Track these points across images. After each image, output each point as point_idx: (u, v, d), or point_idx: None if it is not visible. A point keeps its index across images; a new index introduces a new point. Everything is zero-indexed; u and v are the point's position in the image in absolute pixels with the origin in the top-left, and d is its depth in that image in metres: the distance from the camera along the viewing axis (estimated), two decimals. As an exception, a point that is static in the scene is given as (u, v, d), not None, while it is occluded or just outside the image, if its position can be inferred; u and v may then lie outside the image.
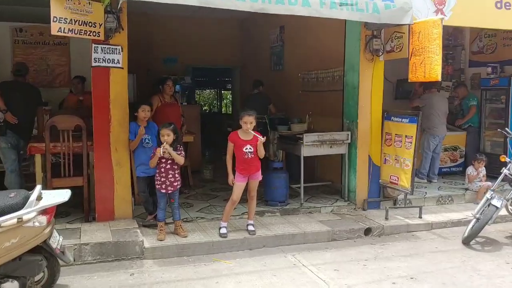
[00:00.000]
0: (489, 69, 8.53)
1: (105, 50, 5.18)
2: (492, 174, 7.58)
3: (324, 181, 7.29)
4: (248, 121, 5.21)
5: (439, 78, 5.65)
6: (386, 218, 6.17)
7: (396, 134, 6.44)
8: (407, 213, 6.45)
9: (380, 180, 6.67)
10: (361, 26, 6.35)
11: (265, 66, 10.27)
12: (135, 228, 5.27)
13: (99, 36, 4.92)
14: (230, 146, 5.35)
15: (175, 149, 5.06)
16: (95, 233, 5.05)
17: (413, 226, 6.13)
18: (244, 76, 11.98)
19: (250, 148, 5.26)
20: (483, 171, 7.48)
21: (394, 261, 5.06)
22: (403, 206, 6.39)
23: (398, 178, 6.36)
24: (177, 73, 11.04)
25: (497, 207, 5.51)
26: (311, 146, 6.35)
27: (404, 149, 6.28)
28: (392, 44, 6.36)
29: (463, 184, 7.90)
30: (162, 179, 5.12)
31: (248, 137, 5.28)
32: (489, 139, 8.67)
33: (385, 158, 6.63)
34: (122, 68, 5.33)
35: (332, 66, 7.45)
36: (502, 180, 5.95)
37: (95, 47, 5.15)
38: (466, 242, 5.64)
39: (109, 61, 5.22)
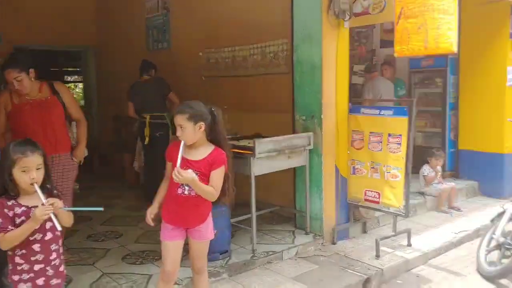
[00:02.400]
0: (419, 48, 7.24)
1: None
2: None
3: (269, 207, 5.06)
4: (176, 123, 2.84)
5: (455, 49, 3.89)
6: (377, 256, 4.26)
7: (371, 133, 4.55)
8: (390, 241, 4.65)
9: (348, 198, 4.75)
10: (320, -24, 4.29)
11: (137, 45, 7.55)
12: None
13: None
14: (168, 165, 2.97)
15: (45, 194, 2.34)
16: None
17: (411, 262, 4.34)
18: (101, 60, 8.98)
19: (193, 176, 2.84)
20: (440, 170, 6.13)
21: None
22: (394, 233, 4.55)
23: (379, 194, 4.50)
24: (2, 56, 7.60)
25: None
26: (265, 158, 4.08)
27: (387, 153, 4.43)
28: (364, 4, 4.43)
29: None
30: (37, 267, 2.34)
31: (196, 155, 2.85)
32: (421, 130, 7.45)
33: (354, 167, 4.72)
34: None
35: (261, 39, 5.26)
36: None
37: None
38: (494, 279, 4.06)
39: None
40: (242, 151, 4.13)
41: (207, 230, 3.01)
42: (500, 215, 4.35)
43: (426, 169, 6.04)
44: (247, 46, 5.48)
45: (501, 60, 6.35)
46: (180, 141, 2.80)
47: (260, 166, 4.03)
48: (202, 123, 2.85)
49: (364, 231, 4.91)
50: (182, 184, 2.84)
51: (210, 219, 3.03)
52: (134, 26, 7.61)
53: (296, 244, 4.34)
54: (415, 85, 7.40)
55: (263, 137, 4.68)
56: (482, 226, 5.28)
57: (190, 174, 2.76)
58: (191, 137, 2.84)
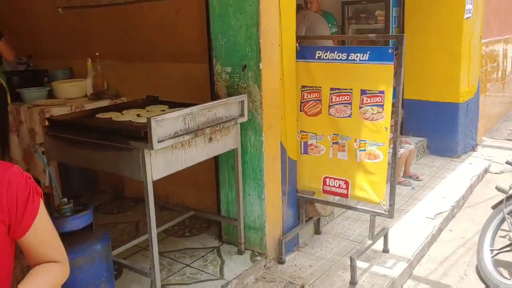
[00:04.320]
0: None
1: None
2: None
3: (176, 211, 3.27)
4: None
5: None
6: (353, 283, 2.75)
7: (334, 89, 2.92)
8: (359, 244, 3.19)
9: (298, 189, 3.16)
10: None
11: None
12: None
13: None
14: None
15: None
16: None
17: (398, 281, 2.92)
18: None
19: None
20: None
21: None
22: (371, 241, 3.02)
23: (348, 184, 2.96)
24: None
25: None
26: (169, 148, 2.24)
27: (360, 121, 2.85)
28: None
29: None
30: None
31: None
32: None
33: (306, 143, 3.09)
34: None
35: None
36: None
37: None
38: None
39: None
40: (127, 135, 2.25)
41: None
42: (510, 200, 3.08)
43: (377, 130, 4.63)
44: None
45: (457, -14, 5.02)
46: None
47: (161, 164, 2.20)
48: None
49: (318, 231, 3.40)
50: None
51: None
52: None
53: (227, 279, 2.64)
54: (349, 21, 5.88)
55: (162, 103, 2.86)
56: (455, 203, 4.10)
57: None
58: None
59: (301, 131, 3.07)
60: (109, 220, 3.58)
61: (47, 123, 2.63)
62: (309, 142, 3.06)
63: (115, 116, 2.66)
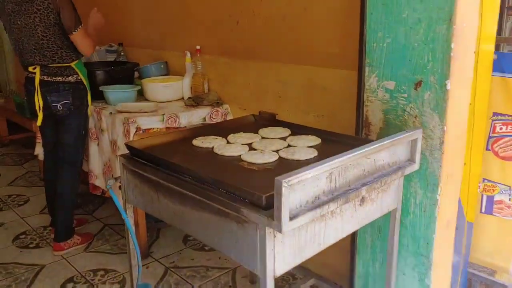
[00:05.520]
0: None
1: None
2: None
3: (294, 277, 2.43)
4: None
5: None
6: None
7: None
8: None
9: (469, 263, 2.15)
10: None
11: None
12: None
13: None
14: None
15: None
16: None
17: None
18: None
19: None
20: None
21: None
22: None
23: (560, 271, 1.90)
24: None
25: None
26: (304, 227, 1.36)
27: None
28: None
29: None
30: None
31: None
32: None
33: (491, 198, 2.06)
34: None
35: None
36: None
37: None
38: None
39: None
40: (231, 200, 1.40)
41: None
42: None
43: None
44: None
45: None
46: None
47: (290, 249, 1.33)
48: None
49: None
50: None
51: None
52: None
53: None
54: (509, 11, 4.58)
55: (281, 124, 2.00)
56: None
57: None
58: None
59: (484, 179, 2.04)
60: (199, 261, 2.83)
61: (126, 149, 1.87)
62: (497, 197, 2.03)
63: (219, 146, 1.83)
